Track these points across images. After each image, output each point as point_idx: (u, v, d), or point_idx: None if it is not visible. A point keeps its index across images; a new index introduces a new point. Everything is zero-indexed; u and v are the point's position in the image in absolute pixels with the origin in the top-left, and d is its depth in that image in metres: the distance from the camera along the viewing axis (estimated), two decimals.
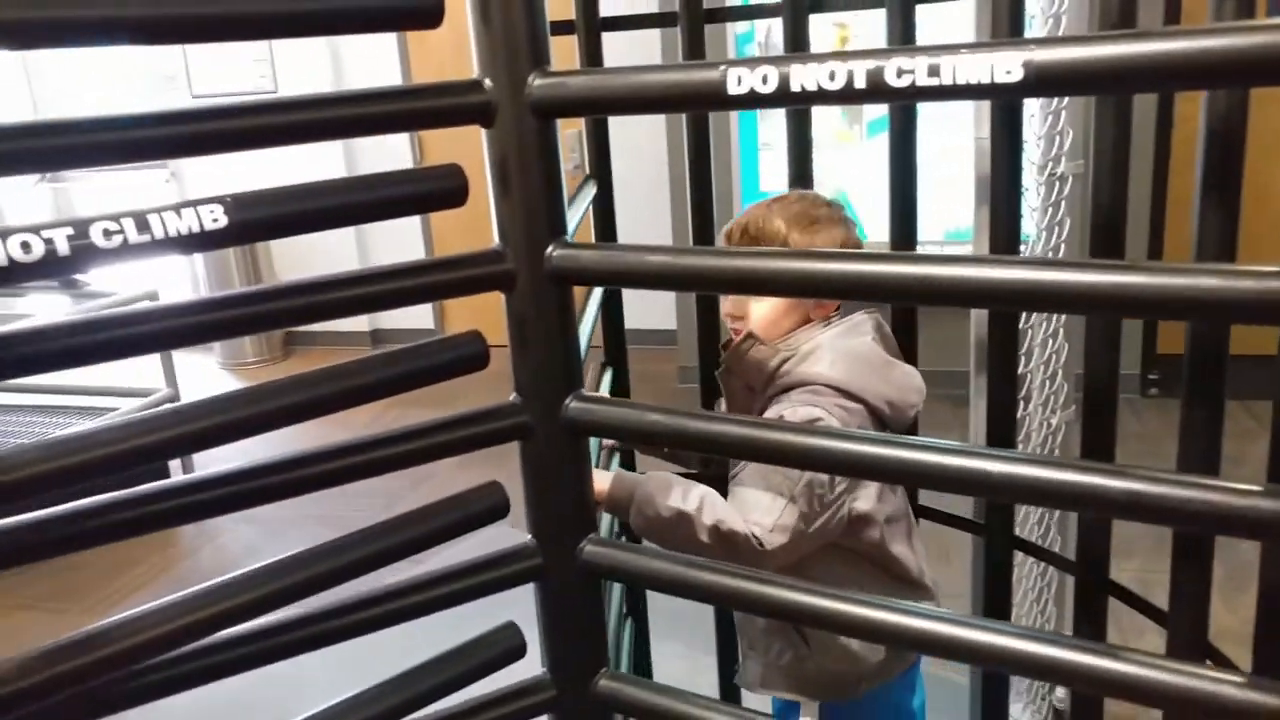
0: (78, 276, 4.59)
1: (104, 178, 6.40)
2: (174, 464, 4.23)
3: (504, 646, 1.14)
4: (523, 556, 1.12)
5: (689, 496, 1.32)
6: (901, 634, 0.92)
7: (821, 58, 0.78)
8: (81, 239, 0.79)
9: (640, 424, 1.05)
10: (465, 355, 1.02)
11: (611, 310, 1.96)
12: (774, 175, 4.62)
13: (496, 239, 1.03)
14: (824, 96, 0.79)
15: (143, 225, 0.82)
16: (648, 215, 4.72)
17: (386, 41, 5.30)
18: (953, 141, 3.80)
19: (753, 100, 0.83)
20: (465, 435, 1.05)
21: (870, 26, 4.20)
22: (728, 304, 1.49)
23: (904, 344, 1.58)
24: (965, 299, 0.84)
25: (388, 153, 5.34)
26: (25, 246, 0.77)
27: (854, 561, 1.44)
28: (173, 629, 0.88)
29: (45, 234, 0.78)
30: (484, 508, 1.10)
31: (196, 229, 0.83)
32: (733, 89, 0.84)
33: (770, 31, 4.23)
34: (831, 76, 0.78)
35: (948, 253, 4.36)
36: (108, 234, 0.80)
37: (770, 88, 0.82)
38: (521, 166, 0.98)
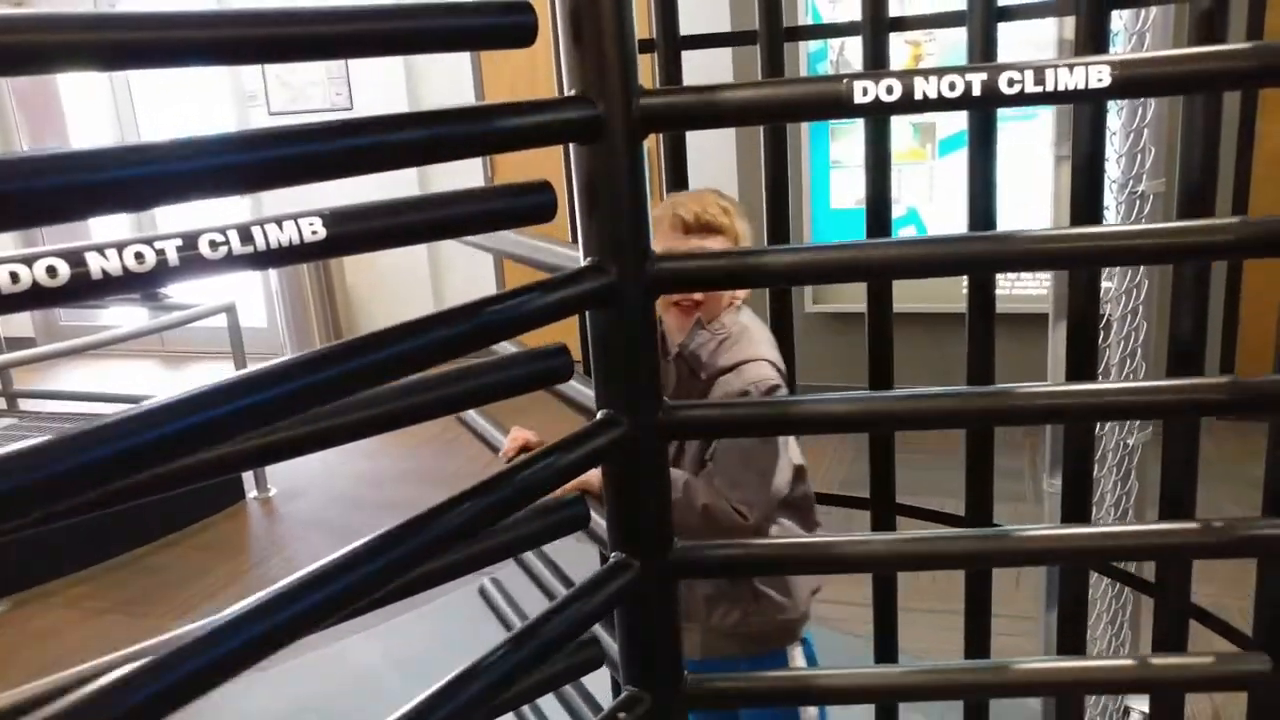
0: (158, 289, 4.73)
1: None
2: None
3: (582, 656, 1.15)
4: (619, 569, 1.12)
5: (675, 484, 1.38)
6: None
7: (941, 71, 0.89)
8: (190, 250, 0.82)
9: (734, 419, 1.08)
10: (552, 367, 1.03)
11: None
12: (844, 193, 4.60)
13: (582, 255, 1.05)
14: (943, 103, 0.90)
15: (246, 237, 0.84)
16: None
17: (461, 60, 5.39)
18: (1027, 158, 3.75)
19: (876, 108, 0.92)
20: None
21: (942, 44, 4.17)
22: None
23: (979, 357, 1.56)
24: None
25: (458, 167, 5.42)
26: (139, 257, 0.79)
27: (790, 513, 1.64)
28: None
29: (158, 245, 0.80)
30: (565, 517, 1.11)
31: (297, 241, 0.86)
32: (858, 99, 0.92)
33: (843, 49, 4.22)
34: (952, 87, 0.89)
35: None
36: (214, 245, 0.83)
37: (894, 97, 0.90)
38: (616, 182, 0.99)
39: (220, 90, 6.15)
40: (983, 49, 1.50)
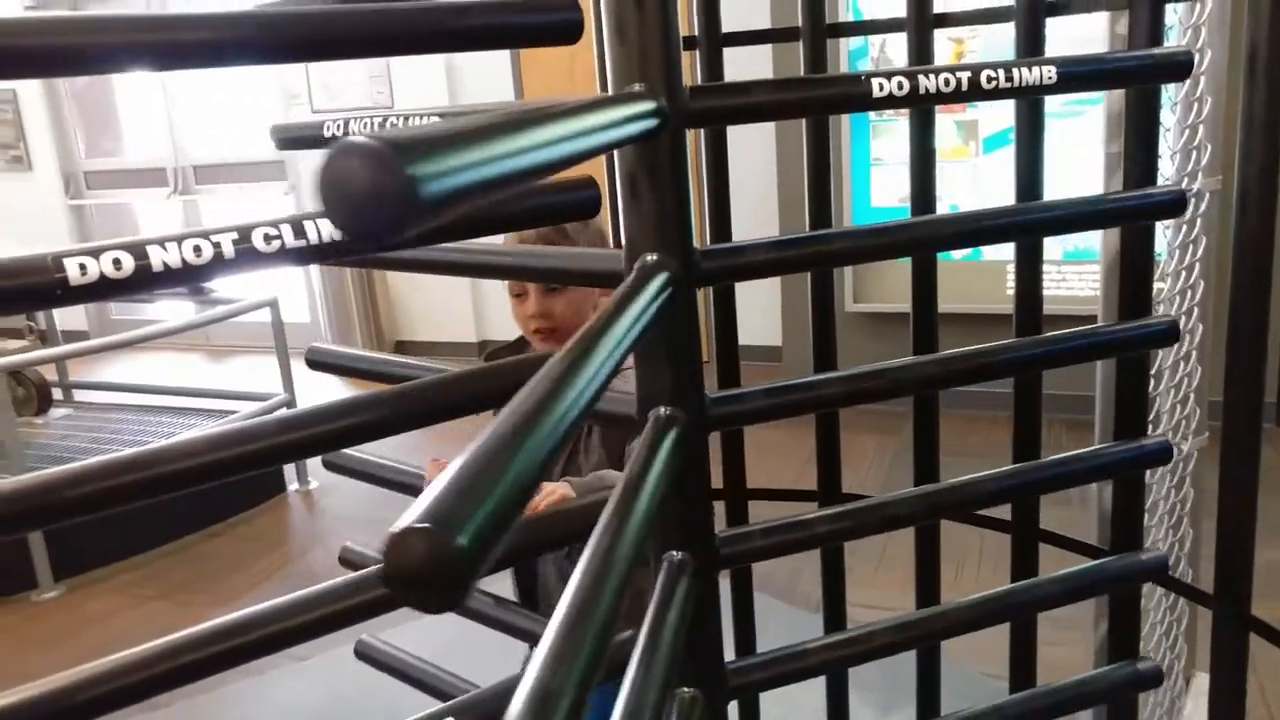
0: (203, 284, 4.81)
1: (229, 190, 6.70)
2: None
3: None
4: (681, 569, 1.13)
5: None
6: None
7: (939, 69, 0.98)
8: (245, 243, 0.83)
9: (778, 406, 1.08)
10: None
11: (723, 324, 1.97)
12: (885, 191, 4.57)
13: (624, 249, 1.05)
14: (942, 97, 0.98)
15: (299, 231, 0.86)
16: (753, 231, 4.71)
17: (500, 59, 5.42)
18: (1076, 156, 3.71)
19: (889, 102, 1.01)
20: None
21: (985, 41, 4.13)
22: (532, 308, 1.57)
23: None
24: None
25: None
26: (197, 250, 0.81)
27: None
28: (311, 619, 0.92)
29: (214, 238, 0.82)
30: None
31: (344, 236, 0.87)
32: (876, 93, 0.99)
33: (884, 46, 4.20)
34: (946, 83, 0.99)
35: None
36: (268, 239, 0.85)
37: (904, 92, 0.99)
38: (660, 179, 0.99)
39: (266, 90, 6.24)
40: (1029, 45, 1.49)
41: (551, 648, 0.56)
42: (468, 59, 5.48)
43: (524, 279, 1.46)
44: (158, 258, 0.80)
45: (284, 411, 0.95)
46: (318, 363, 1.44)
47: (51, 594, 3.58)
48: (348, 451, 1.56)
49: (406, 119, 1.23)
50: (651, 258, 1.00)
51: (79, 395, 5.17)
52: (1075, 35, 2.04)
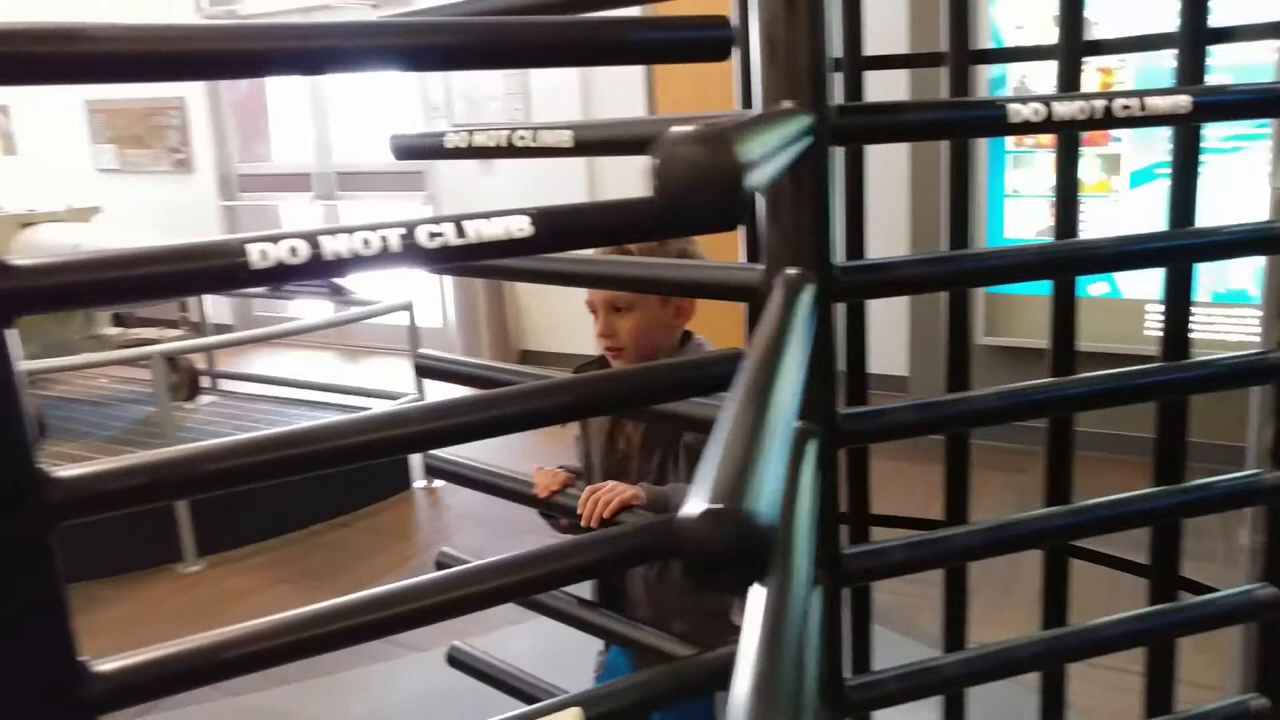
0: (344, 284, 5.03)
1: (370, 200, 6.98)
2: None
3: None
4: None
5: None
6: None
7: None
8: (410, 238, 0.89)
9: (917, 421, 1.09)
10: (728, 372, 1.06)
11: (853, 343, 1.97)
12: (1020, 223, 4.46)
13: (765, 266, 1.07)
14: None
15: (460, 230, 0.91)
16: (883, 252, 4.66)
17: (634, 76, 5.52)
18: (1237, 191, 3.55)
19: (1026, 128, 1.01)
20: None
21: (1134, 69, 4.00)
22: (599, 326, 1.65)
23: None
24: None
25: (626, 170, 5.55)
26: (366, 242, 0.87)
27: None
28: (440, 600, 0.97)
29: (382, 232, 0.88)
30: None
31: (505, 236, 0.92)
32: (1012, 119, 0.98)
33: (1025, 77, 4.11)
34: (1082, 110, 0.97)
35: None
36: (431, 236, 0.90)
37: (1040, 118, 1.00)
38: (804, 194, 1.01)
39: (409, 102, 6.49)
40: (1190, 73, 1.45)
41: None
42: (603, 76, 5.59)
43: (652, 291, 1.48)
44: (329, 247, 0.86)
45: (419, 402, 1.01)
46: (425, 368, 1.51)
47: (194, 568, 3.80)
48: (447, 455, 1.63)
49: (534, 132, 1.28)
50: (792, 271, 1.02)
51: (224, 385, 5.47)
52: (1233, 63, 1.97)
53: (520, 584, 1.04)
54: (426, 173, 6.55)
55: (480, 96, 6.09)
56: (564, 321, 6.38)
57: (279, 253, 0.83)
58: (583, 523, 1.44)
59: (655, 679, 1.23)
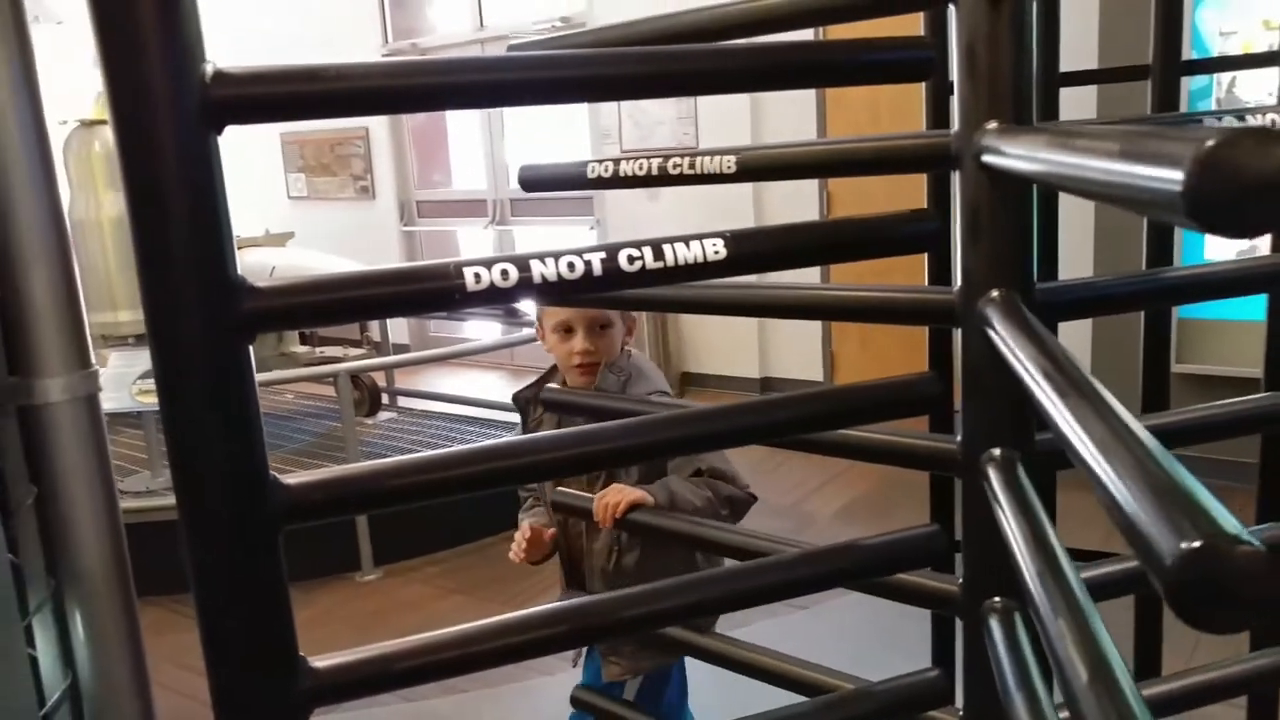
0: (519, 306, 5.19)
1: (541, 226, 7.19)
2: None
3: (930, 691, 1.14)
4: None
5: (698, 490, 1.70)
6: None
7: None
8: (611, 262, 0.91)
9: None
10: (924, 395, 1.04)
11: None
12: (1221, 244, 4.19)
13: (959, 287, 1.05)
14: None
15: (658, 253, 0.93)
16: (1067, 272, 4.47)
17: (806, 101, 5.49)
18: None
19: None
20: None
21: None
22: (582, 344, 1.78)
23: None
24: None
25: (794, 202, 5.52)
26: (571, 266, 0.90)
27: None
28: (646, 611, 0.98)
29: (586, 256, 0.91)
30: (923, 549, 1.11)
31: (701, 259, 0.93)
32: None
33: (1233, 84, 3.85)
34: None
35: None
36: (631, 260, 0.92)
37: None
38: (1004, 211, 0.99)
39: (581, 129, 6.67)
40: None
41: None
42: (774, 100, 5.59)
43: (847, 319, 1.49)
44: (537, 270, 0.89)
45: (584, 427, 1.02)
46: (550, 401, 1.54)
47: (371, 576, 3.99)
48: None
49: (691, 159, 1.27)
50: (996, 294, 1.00)
51: (402, 402, 5.73)
52: None
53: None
54: (595, 200, 6.70)
55: (649, 121, 6.19)
56: (724, 345, 6.39)
57: (491, 276, 0.87)
58: (600, 525, 1.60)
59: (836, 705, 1.21)
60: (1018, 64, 0.97)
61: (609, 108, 6.35)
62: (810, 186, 5.62)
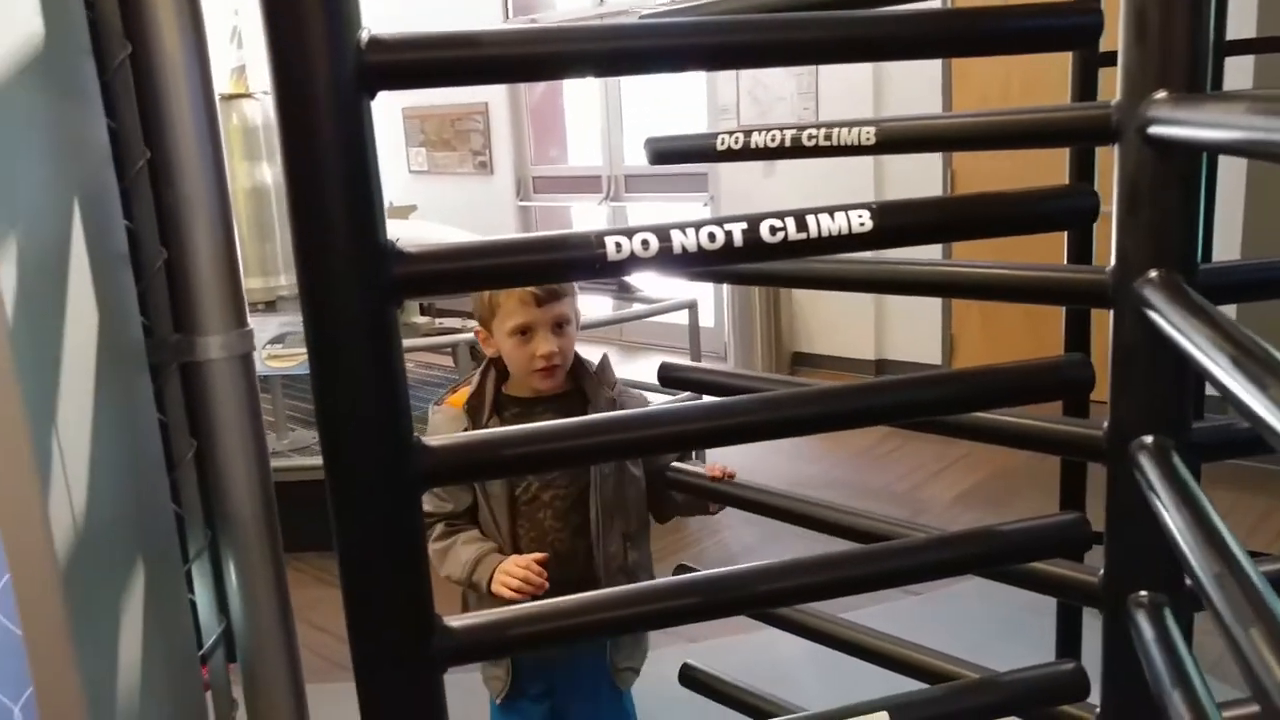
0: (632, 281, 5.21)
1: (654, 203, 7.19)
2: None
3: (1066, 684, 1.11)
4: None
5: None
6: None
7: None
8: (753, 234, 0.90)
9: None
10: (1073, 379, 1.00)
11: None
12: None
13: (1115, 264, 1.01)
14: None
15: (801, 224, 0.91)
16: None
17: (932, 75, 5.34)
18: None
19: None
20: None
21: None
22: (547, 346, 1.65)
23: None
24: None
25: (916, 182, 5.39)
26: (712, 237, 0.89)
27: None
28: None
29: (727, 227, 0.90)
30: (1063, 537, 1.07)
31: (845, 231, 0.91)
32: None
33: None
34: None
35: None
36: (773, 230, 0.90)
37: None
38: (1168, 188, 0.94)
39: (698, 104, 6.63)
40: None
41: None
42: (898, 75, 5.46)
43: (993, 298, 1.41)
44: (678, 241, 0.89)
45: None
46: (668, 379, 1.53)
47: None
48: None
49: (826, 130, 1.23)
50: (1154, 274, 0.95)
51: None
52: None
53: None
54: (710, 175, 6.66)
55: (769, 97, 6.11)
56: (837, 325, 6.30)
57: (632, 245, 0.87)
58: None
59: (964, 692, 1.18)
60: (1194, 28, 0.92)
61: (727, 84, 6.29)
62: (934, 166, 5.47)
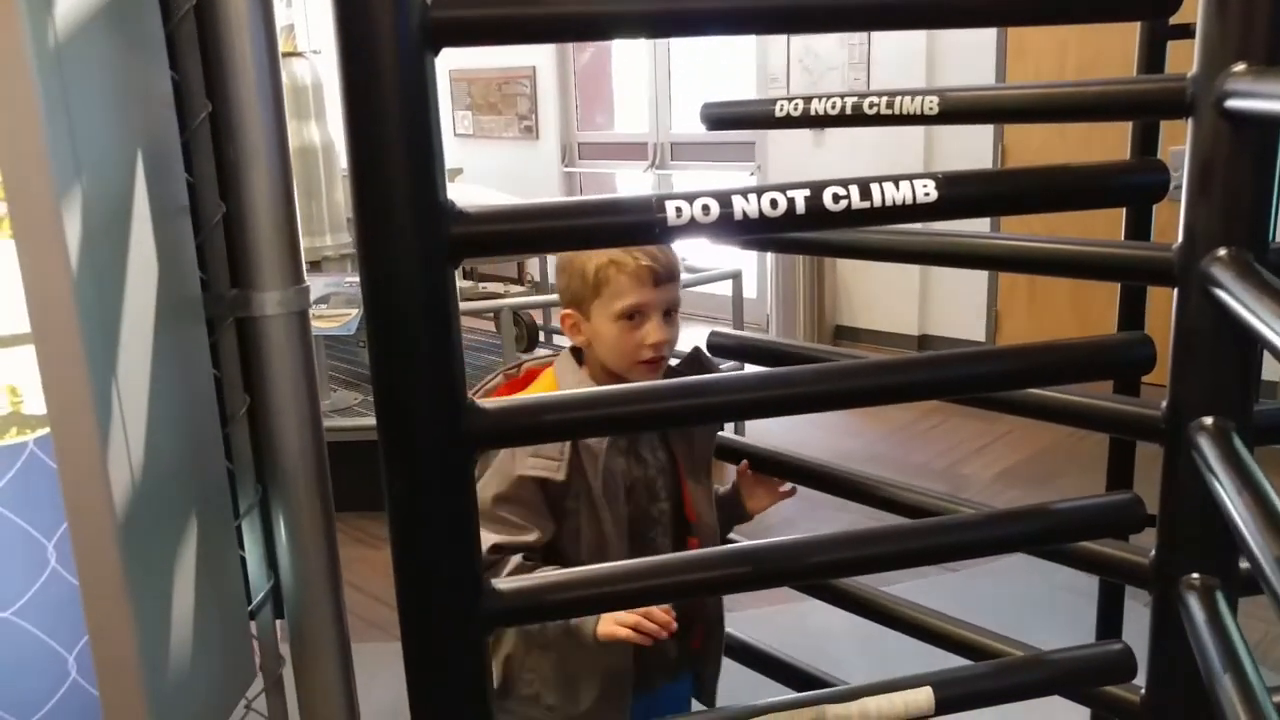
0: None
1: (701, 171, 7.14)
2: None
3: (1114, 664, 1.09)
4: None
5: None
6: None
7: None
8: (816, 200, 0.88)
9: None
10: (1135, 358, 0.98)
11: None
12: None
13: (1182, 241, 0.98)
14: None
15: (865, 193, 0.89)
16: None
17: (985, 46, 5.24)
18: None
19: None
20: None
21: None
22: (657, 335, 1.39)
23: None
24: None
25: (967, 157, 5.31)
26: (774, 204, 0.88)
27: None
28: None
29: (790, 194, 0.88)
30: (1118, 517, 1.06)
31: (910, 200, 0.89)
32: None
33: None
34: None
35: None
36: (836, 198, 0.89)
37: None
38: (1241, 164, 0.91)
39: (748, 72, 6.56)
40: None
41: None
42: (951, 49, 5.36)
43: (1055, 274, 1.32)
44: (739, 207, 0.88)
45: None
46: (719, 346, 1.49)
47: None
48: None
49: (888, 99, 1.20)
50: (1223, 252, 0.92)
51: (556, 340, 5.84)
52: None
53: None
54: (757, 144, 6.60)
55: (820, 67, 6.03)
56: (880, 299, 6.24)
57: (693, 211, 0.86)
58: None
59: (1010, 669, 1.17)
60: (1276, 0, 0.88)
61: (778, 53, 6.21)
62: (985, 142, 5.38)
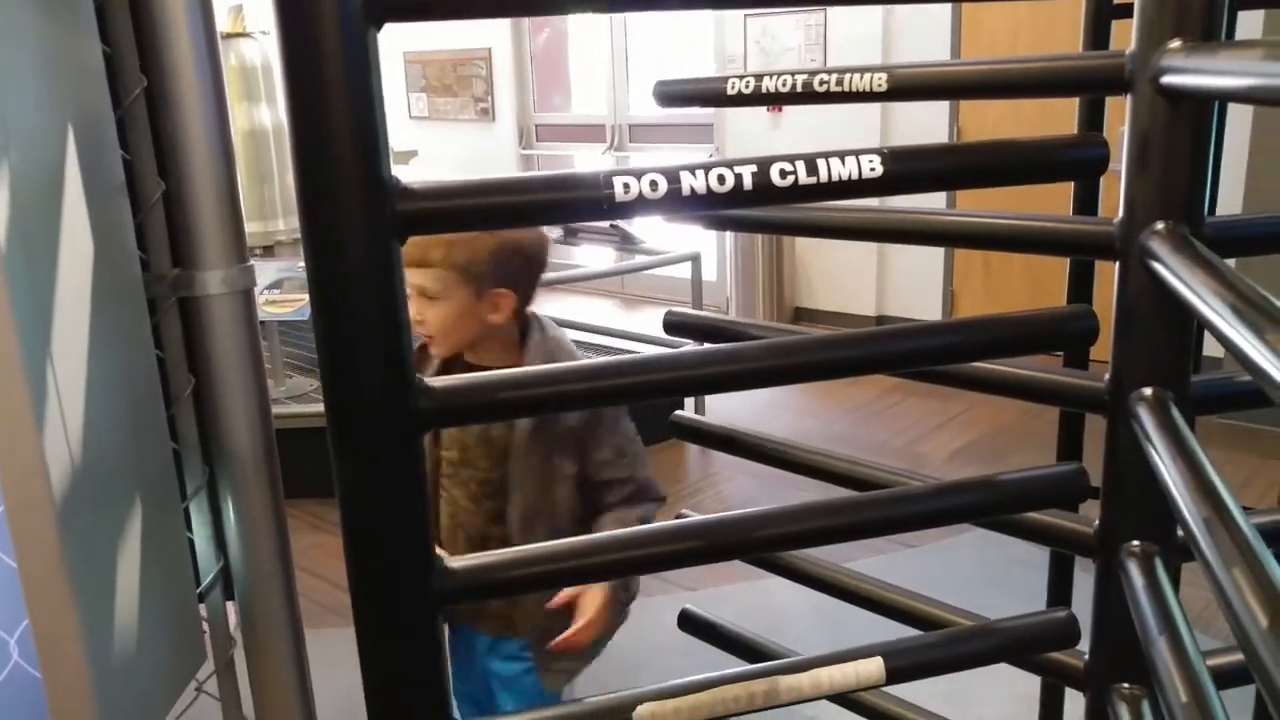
0: (635, 234, 5.18)
1: (658, 151, 7.13)
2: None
3: (1058, 631, 1.11)
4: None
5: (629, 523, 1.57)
6: None
7: None
8: (763, 177, 0.89)
9: None
10: (1078, 330, 1.00)
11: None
12: None
13: (1123, 215, 1.00)
14: None
15: (812, 168, 0.90)
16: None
17: (940, 23, 5.28)
18: None
19: None
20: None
21: None
22: (413, 313, 1.47)
23: None
24: None
25: (922, 138, 5.35)
26: (721, 179, 0.88)
27: None
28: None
29: (737, 169, 0.88)
30: (1064, 487, 1.08)
31: (855, 176, 0.90)
32: None
33: None
34: None
35: None
36: (783, 174, 0.89)
37: None
38: (1178, 139, 0.93)
39: (705, 53, 6.55)
40: None
41: None
42: (906, 29, 5.39)
43: (999, 249, 1.36)
44: (687, 183, 0.88)
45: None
46: (675, 325, 1.51)
47: None
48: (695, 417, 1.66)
49: (838, 75, 1.20)
50: (1161, 226, 0.94)
51: None
52: None
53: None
54: (715, 126, 6.60)
55: (777, 48, 6.04)
56: (838, 280, 6.29)
57: (640, 187, 0.86)
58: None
59: (958, 638, 1.19)
60: None
61: (734, 34, 6.21)
62: (940, 122, 5.43)
